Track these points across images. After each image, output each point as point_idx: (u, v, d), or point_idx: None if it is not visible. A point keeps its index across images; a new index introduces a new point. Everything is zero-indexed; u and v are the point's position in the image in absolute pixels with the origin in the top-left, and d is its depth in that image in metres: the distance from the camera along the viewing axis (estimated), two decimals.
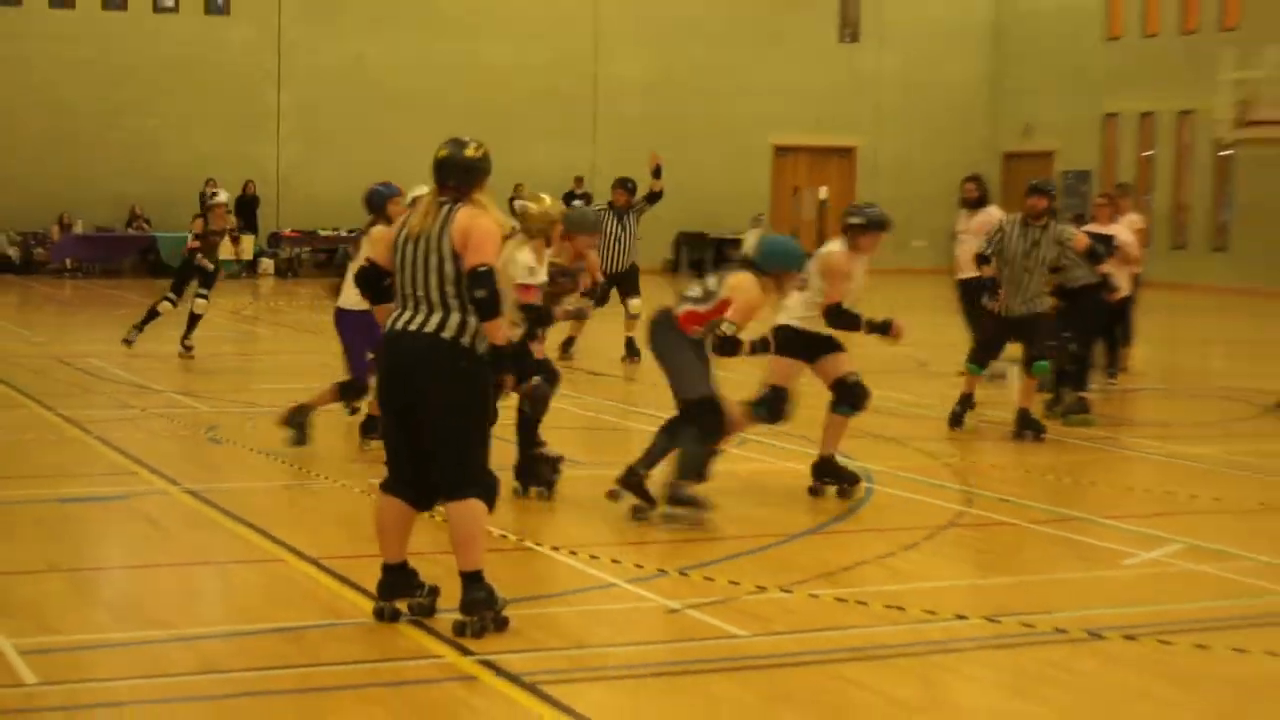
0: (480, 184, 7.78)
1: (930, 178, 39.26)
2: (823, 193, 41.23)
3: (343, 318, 12.86)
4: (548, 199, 10.74)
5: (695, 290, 10.59)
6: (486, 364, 7.68)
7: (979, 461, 13.38)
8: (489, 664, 7.28)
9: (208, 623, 8.12)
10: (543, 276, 10.42)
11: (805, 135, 41.28)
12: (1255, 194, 36.21)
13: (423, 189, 10.98)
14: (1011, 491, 11.87)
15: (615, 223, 19.69)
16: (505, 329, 7.72)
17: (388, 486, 7.90)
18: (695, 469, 10.42)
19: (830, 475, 11.56)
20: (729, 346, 10.36)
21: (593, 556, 9.43)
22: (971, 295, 18.48)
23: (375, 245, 11.57)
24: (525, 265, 10.23)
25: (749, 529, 10.32)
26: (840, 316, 11.36)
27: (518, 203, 10.96)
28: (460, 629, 7.62)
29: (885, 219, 11.72)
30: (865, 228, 11.55)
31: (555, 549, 9.66)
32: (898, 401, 16.18)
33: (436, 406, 7.61)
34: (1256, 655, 7.79)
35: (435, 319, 7.65)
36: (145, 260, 35.04)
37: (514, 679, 7.09)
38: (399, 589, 7.92)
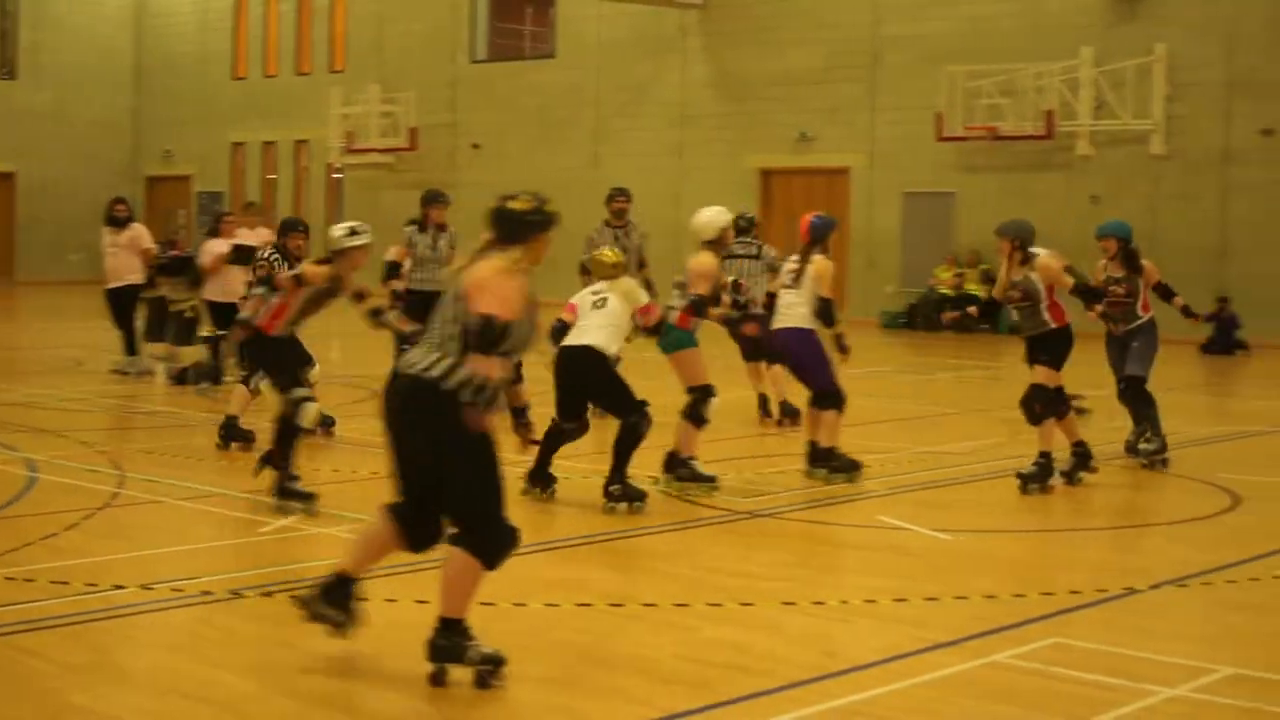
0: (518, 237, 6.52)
1: (82, 199, 38.11)
2: None
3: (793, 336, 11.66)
4: (337, 231, 10.54)
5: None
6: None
7: (132, 448, 13.03)
8: None
9: None
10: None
11: None
12: (360, 211, 36.56)
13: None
14: (159, 474, 11.56)
15: None
16: None
17: None
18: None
19: (1047, 473, 11.54)
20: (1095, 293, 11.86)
21: None
22: (119, 302, 18.05)
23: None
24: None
25: None
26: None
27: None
28: (433, 678, 6.48)
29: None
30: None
31: None
32: (55, 397, 15.58)
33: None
34: (405, 603, 7.75)
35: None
36: None
37: None
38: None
